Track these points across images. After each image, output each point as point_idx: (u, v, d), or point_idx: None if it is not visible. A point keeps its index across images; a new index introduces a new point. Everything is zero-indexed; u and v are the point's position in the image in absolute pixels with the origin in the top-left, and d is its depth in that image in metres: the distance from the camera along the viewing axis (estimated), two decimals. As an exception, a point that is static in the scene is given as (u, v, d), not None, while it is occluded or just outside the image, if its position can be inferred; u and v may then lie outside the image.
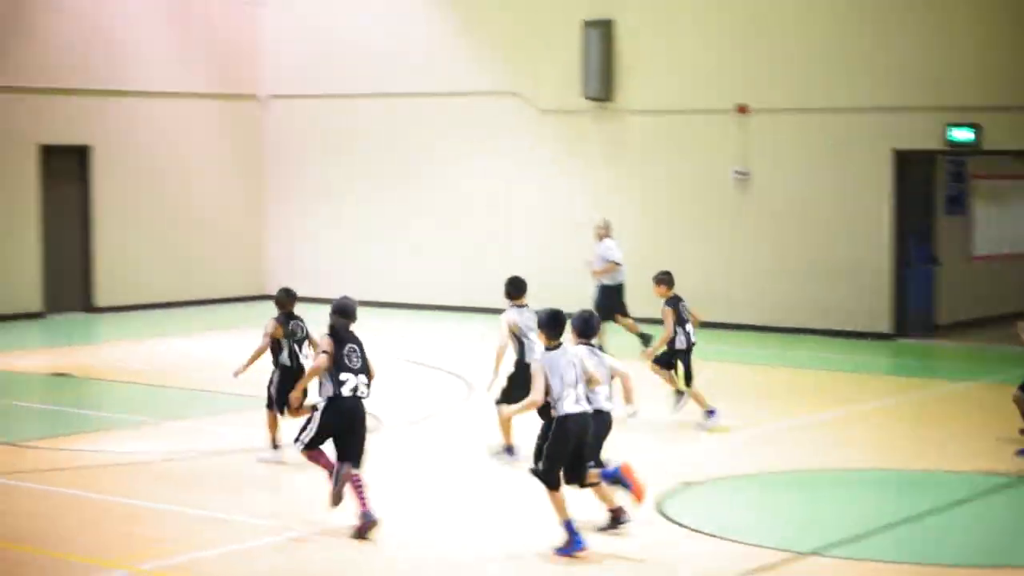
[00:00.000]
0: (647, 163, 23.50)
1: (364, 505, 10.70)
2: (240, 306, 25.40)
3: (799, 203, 22.22)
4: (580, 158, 23.99)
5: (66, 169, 24.01)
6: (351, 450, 10.82)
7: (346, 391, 10.84)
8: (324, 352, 10.87)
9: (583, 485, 10.54)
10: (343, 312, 11.07)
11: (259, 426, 13.43)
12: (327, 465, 11.02)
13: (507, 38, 24.45)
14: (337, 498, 10.81)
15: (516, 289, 12.93)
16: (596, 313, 11.26)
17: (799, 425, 15.12)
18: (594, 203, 23.60)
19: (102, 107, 24.35)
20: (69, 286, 23.96)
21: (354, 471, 10.77)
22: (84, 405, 16.13)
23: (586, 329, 10.93)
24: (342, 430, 10.84)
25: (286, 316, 13.07)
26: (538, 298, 13.65)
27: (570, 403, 10.28)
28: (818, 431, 14.83)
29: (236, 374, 13.18)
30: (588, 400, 10.46)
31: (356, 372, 10.89)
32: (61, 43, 23.72)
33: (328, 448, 11.02)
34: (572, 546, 10.24)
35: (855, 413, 15.75)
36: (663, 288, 14.79)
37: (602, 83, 23.64)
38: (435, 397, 16.55)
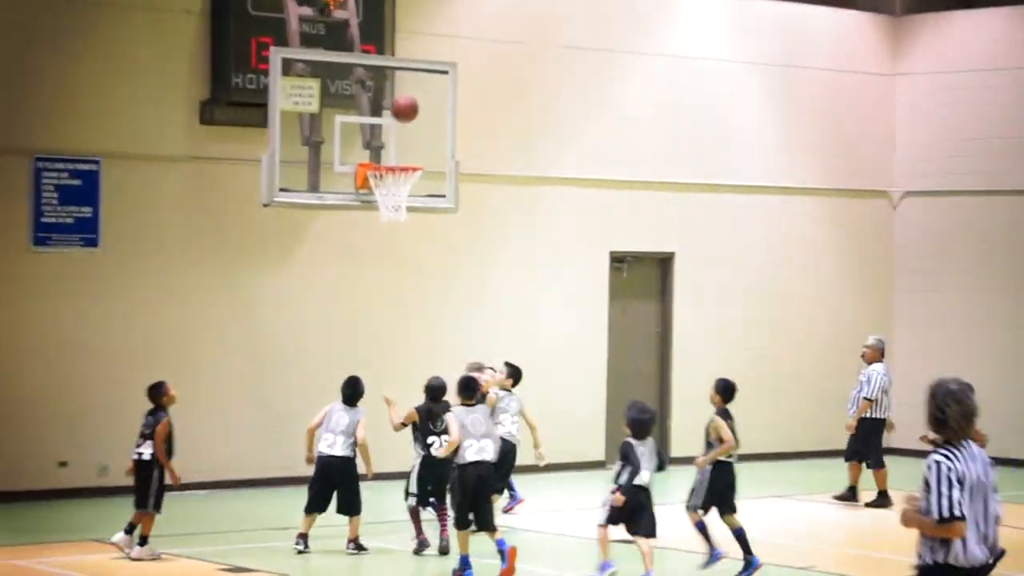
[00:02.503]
0: None
1: (444, 531, 15.49)
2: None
3: None
4: None
5: (641, 281, 23.80)
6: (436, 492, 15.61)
7: (433, 451, 15.35)
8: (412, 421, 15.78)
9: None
10: (430, 391, 15.69)
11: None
12: (418, 527, 15.64)
13: None
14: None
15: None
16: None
17: None
18: None
19: (686, 205, 23.88)
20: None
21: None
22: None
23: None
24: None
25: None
26: None
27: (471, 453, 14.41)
28: None
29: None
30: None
31: (439, 434, 15.33)
32: (637, 128, 23.47)
33: None
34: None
35: None
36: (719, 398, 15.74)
37: None
38: None
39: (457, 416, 14.53)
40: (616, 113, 23.15)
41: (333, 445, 15.52)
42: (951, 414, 8.18)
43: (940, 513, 8.08)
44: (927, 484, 8.16)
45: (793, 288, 24.82)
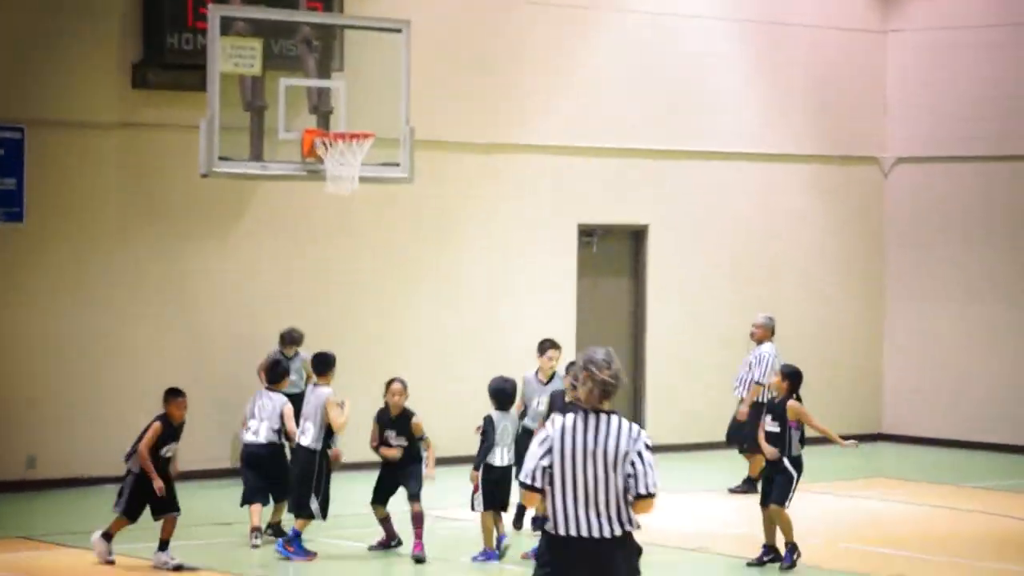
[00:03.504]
0: None
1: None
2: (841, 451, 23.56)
3: None
4: None
5: (612, 257, 23.91)
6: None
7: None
8: None
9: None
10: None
11: None
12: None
13: None
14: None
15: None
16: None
17: None
18: None
19: (662, 174, 24.00)
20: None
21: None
22: None
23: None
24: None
25: None
26: None
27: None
28: None
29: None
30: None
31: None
32: (607, 91, 23.54)
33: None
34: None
35: None
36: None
37: None
38: None
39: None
40: (585, 74, 23.22)
41: (257, 432, 15.89)
42: (584, 380, 8.53)
43: (521, 476, 8.56)
44: None
45: (778, 262, 24.99)
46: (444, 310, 22.09)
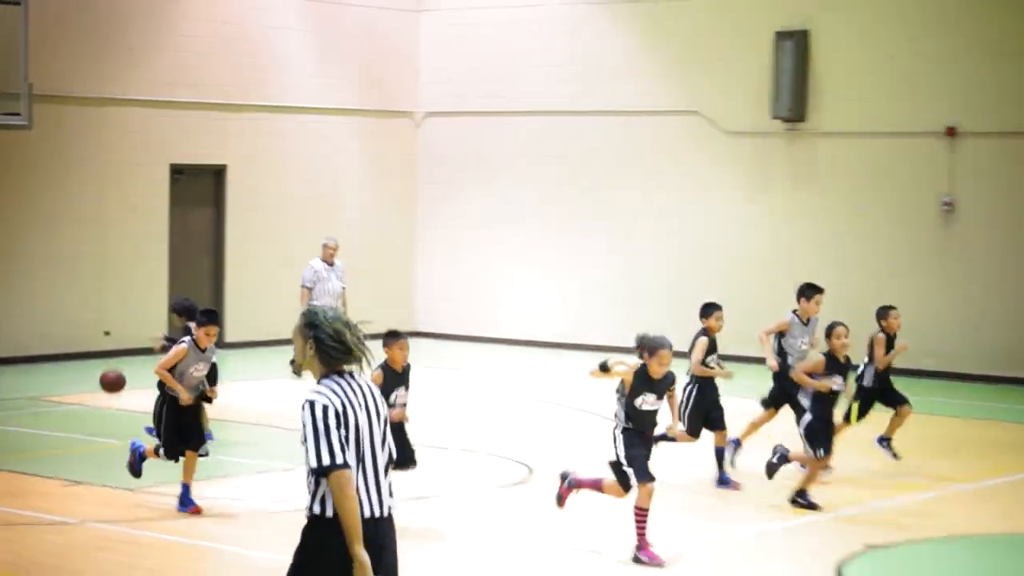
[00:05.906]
0: (841, 191, 23.17)
1: None
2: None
3: (1011, 236, 22.06)
4: (766, 184, 23.67)
5: (198, 191, 23.95)
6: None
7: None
8: None
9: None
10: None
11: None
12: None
13: (689, 52, 24.13)
14: None
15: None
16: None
17: (1000, 485, 14.80)
18: (778, 233, 23.45)
19: (239, 123, 24.28)
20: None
21: None
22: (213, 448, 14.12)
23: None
24: None
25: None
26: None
27: None
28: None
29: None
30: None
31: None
32: (197, 54, 23.70)
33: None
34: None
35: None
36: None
37: (794, 102, 23.20)
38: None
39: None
40: (181, 38, 23.23)
41: None
42: (329, 340, 6.71)
43: (319, 462, 6.51)
44: (305, 430, 6.62)
45: (334, 196, 25.42)
46: (63, 239, 22.01)
